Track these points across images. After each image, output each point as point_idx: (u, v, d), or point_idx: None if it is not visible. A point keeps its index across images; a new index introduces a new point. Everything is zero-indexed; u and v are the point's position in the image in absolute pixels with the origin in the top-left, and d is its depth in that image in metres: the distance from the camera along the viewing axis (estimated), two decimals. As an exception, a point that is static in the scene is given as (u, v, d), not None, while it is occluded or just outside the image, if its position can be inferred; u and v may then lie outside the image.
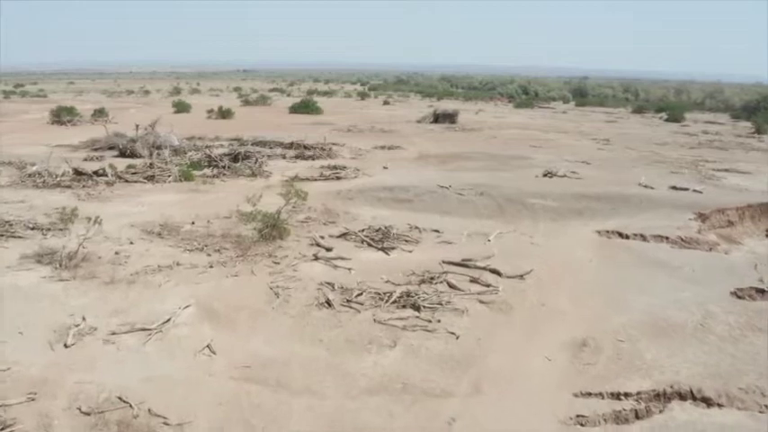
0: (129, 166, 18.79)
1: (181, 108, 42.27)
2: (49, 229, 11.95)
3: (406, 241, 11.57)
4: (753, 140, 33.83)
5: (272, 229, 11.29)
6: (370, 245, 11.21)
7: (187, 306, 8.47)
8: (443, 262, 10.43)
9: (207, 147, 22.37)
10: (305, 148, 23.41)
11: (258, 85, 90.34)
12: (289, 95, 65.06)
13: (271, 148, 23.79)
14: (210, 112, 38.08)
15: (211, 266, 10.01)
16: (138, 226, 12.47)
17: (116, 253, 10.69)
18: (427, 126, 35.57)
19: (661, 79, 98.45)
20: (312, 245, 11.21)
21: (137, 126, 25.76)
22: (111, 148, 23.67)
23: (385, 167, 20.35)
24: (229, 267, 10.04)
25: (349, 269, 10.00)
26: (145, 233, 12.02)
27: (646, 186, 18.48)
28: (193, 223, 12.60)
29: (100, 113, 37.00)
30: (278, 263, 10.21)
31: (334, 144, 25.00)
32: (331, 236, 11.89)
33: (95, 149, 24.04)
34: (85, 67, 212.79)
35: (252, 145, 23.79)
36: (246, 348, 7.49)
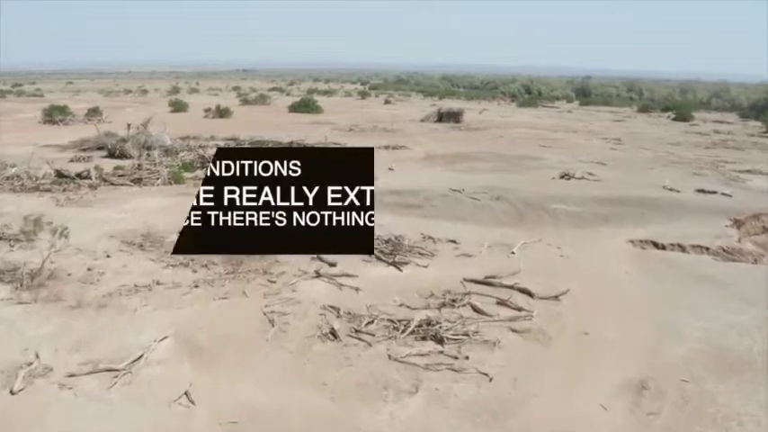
0: (117, 168, 17.34)
1: (178, 107, 40.81)
2: (18, 240, 10.51)
3: (420, 254, 10.11)
4: (766, 140, 32.44)
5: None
6: (379, 259, 9.75)
7: (164, 338, 7.03)
8: (465, 280, 8.99)
9: (200, 147, 20.92)
10: (305, 148, 21.98)
11: (258, 85, 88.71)
12: (288, 95, 63.52)
13: (269, 148, 22.35)
14: (208, 111, 36.61)
15: (197, 286, 8.56)
16: (117, 236, 11.03)
17: (89, 269, 9.24)
18: (431, 125, 34.12)
19: (663, 79, 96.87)
20: (314, 259, 9.76)
21: (128, 125, 24.40)
22: (100, 148, 22.24)
23: (390, 169, 18.91)
24: (217, 287, 8.58)
25: (356, 289, 8.56)
26: (125, 244, 10.57)
27: (671, 189, 17.07)
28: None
29: (94, 112, 35.58)
30: (274, 281, 8.76)
31: (335, 144, 23.58)
32: (334, 248, 10.44)
33: (84, 150, 22.61)
34: (85, 68, 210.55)
35: (248, 145, 22.36)
36: (233, 394, 6.04)
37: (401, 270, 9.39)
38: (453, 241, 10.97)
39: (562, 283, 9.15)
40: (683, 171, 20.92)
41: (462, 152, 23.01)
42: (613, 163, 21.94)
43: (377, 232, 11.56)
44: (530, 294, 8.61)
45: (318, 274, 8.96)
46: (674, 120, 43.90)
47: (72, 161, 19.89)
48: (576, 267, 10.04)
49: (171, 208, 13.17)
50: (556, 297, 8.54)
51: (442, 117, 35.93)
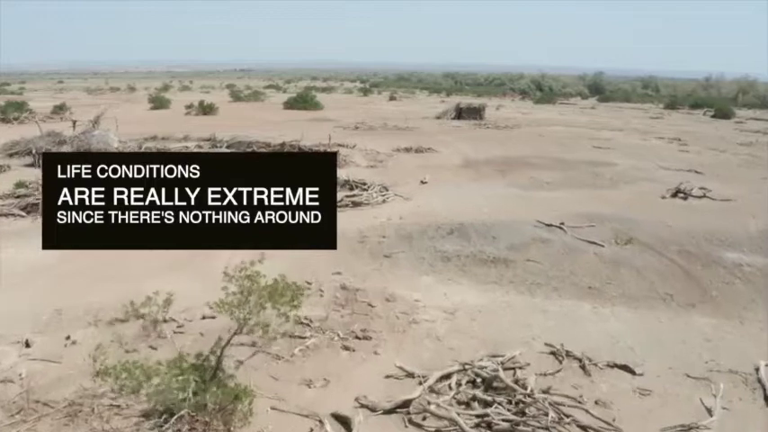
0: (19, 185, 11.16)
1: (158, 104, 34.58)
2: None
3: (583, 429, 3.98)
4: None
5: (206, 396, 3.72)
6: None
7: None
8: None
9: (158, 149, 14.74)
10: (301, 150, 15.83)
11: (254, 83, 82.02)
12: (285, 92, 57.10)
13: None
14: (190, 107, 30.38)
15: None
16: None
17: None
18: (451, 123, 27.93)
19: (666, 77, 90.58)
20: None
21: (74, 123, 18.43)
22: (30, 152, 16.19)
23: (423, 182, 12.79)
24: None
25: None
26: None
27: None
28: (28, 345, 5.01)
29: (59, 110, 29.59)
30: None
31: (340, 145, 17.49)
32: (367, 408, 4.27)
33: (11, 154, 16.56)
34: (83, 68, 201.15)
35: (227, 147, 16.18)
36: None
37: None
38: (626, 369, 4.81)
39: None
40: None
41: (509, 156, 16.88)
42: (708, 170, 15.91)
43: (446, 335, 5.51)
44: None
45: None
46: (714, 117, 37.98)
47: (-20, 171, 13.87)
48: None
49: (59, 268, 6.90)
50: None
51: (462, 113, 29.77)
